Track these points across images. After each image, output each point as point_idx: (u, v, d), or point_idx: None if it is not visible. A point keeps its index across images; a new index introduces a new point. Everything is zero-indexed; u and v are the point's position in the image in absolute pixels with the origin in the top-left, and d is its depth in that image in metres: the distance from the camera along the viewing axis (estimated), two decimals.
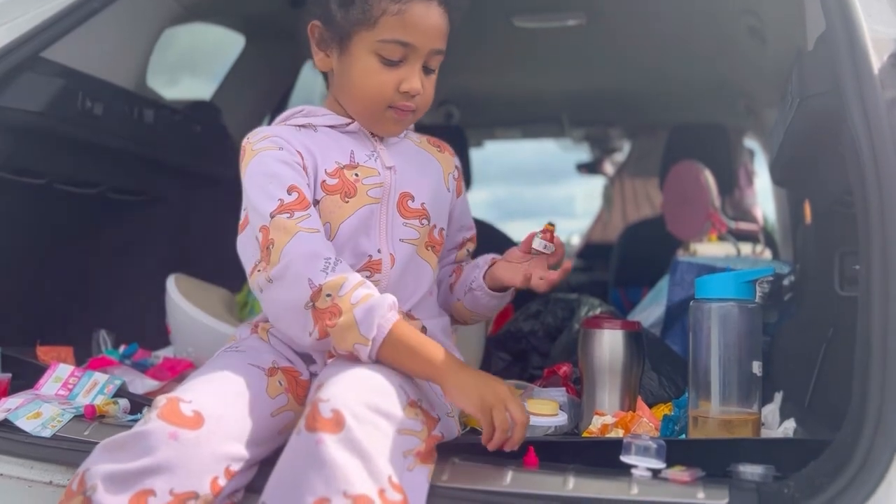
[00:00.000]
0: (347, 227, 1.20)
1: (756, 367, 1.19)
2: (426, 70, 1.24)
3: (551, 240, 1.20)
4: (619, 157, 4.04)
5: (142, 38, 1.82)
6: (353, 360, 1.08)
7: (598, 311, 1.68)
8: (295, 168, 1.19)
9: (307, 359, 1.21)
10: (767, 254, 2.32)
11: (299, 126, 1.27)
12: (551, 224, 1.20)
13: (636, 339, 1.34)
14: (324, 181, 1.21)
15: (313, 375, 1.19)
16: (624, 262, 3.00)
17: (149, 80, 1.99)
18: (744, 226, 2.36)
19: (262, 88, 2.49)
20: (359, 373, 1.03)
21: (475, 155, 3.63)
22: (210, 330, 1.58)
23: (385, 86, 1.21)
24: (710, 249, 2.27)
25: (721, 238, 2.30)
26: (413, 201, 1.27)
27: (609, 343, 1.32)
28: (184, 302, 1.62)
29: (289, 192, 1.15)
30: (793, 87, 1.28)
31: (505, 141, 4.14)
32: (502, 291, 1.31)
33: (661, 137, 3.61)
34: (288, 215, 1.13)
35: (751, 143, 3.58)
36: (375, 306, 1.07)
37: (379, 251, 1.23)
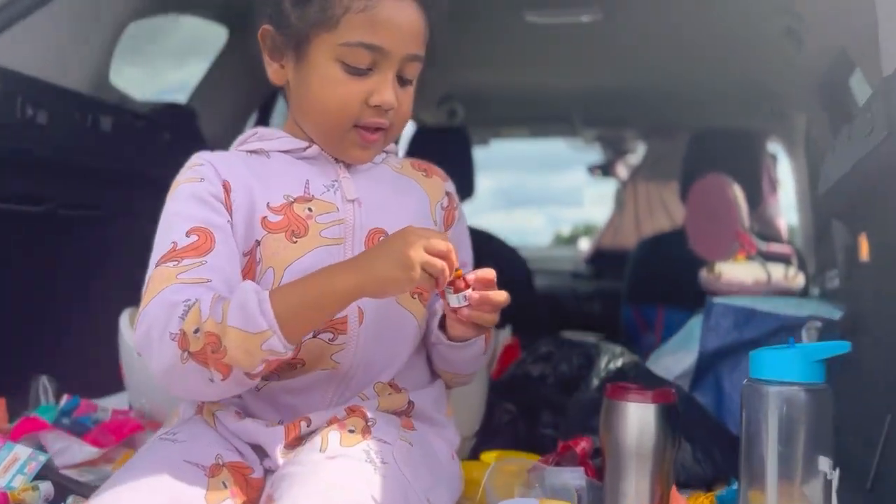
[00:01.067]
0: (295, 274, 0.98)
1: (825, 465, 0.97)
2: (401, 81, 1.04)
3: (466, 286, 0.98)
4: (633, 159, 3.82)
5: (99, 33, 1.58)
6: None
7: (619, 362, 1.45)
8: (208, 204, 1.00)
9: (261, 451, 0.99)
10: (800, 279, 2.10)
11: (250, 152, 1.07)
12: (458, 269, 0.97)
13: (671, 413, 1.11)
14: (265, 217, 1.02)
15: (268, 472, 0.97)
16: (639, 278, 2.79)
17: (112, 80, 1.75)
18: (775, 247, 2.16)
19: (247, 89, 2.23)
20: (320, 484, 0.82)
21: (480, 154, 3.42)
22: None
23: (350, 98, 1.01)
24: (736, 271, 2.06)
25: (749, 258, 2.12)
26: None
27: (638, 420, 1.09)
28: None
29: (188, 233, 0.96)
30: (874, 116, 1.04)
31: (512, 139, 3.91)
32: (462, 341, 1.09)
33: (678, 140, 3.40)
34: (174, 263, 0.95)
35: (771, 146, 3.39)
36: (243, 302, 0.89)
37: None
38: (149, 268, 0.97)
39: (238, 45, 2.16)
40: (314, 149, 1.07)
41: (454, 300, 0.98)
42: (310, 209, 1.03)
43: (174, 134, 1.77)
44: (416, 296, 1.08)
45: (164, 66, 2.18)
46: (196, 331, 0.88)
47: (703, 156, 2.54)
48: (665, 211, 3.56)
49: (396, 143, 1.19)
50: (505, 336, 1.86)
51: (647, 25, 2.35)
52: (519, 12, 2.26)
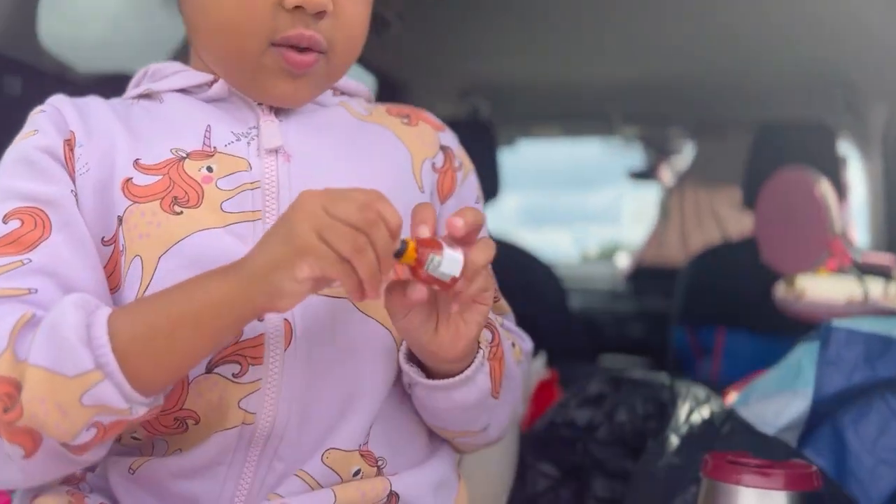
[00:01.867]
0: (177, 266, 0.64)
1: None
2: None
3: (437, 247, 0.59)
4: (679, 161, 3.43)
5: None
6: None
7: (706, 410, 1.04)
8: (38, 169, 0.67)
9: None
10: None
11: (138, 98, 0.74)
12: (408, 239, 0.59)
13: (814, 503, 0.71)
14: (128, 180, 0.68)
15: None
16: (694, 295, 2.42)
17: (46, 41, 1.39)
18: (873, 258, 1.78)
19: None
20: None
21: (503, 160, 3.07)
22: None
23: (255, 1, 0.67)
24: (824, 287, 1.69)
25: (841, 271, 1.74)
26: None
27: None
28: None
29: (6, 218, 0.65)
30: None
31: (542, 139, 3.55)
32: (448, 374, 0.68)
33: (732, 138, 3.02)
34: None
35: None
36: (56, 324, 0.58)
37: (259, 317, 0.64)
38: None
39: None
40: (221, 84, 0.72)
41: (438, 266, 0.57)
42: (209, 168, 0.68)
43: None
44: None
45: (122, 31, 1.82)
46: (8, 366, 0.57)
47: (775, 152, 2.18)
48: (715, 220, 3.17)
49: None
50: (539, 369, 1.45)
51: (701, 4, 2.00)
52: None
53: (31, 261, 0.63)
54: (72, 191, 0.67)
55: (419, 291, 0.58)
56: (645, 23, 2.22)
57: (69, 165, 0.68)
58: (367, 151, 0.75)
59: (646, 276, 3.27)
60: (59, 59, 1.48)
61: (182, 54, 1.77)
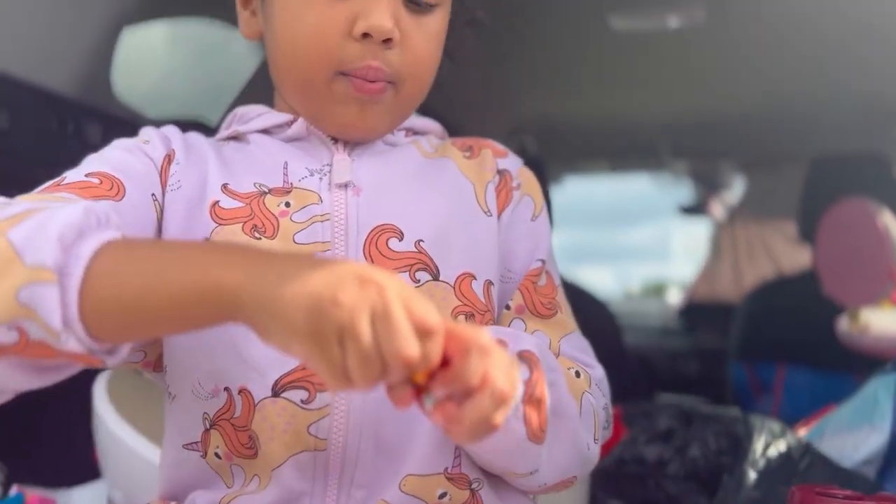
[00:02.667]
0: None
1: None
2: (414, 5, 0.71)
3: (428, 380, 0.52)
4: (729, 196, 3.38)
5: (90, 24, 1.27)
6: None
7: (782, 444, 1.02)
8: (135, 157, 0.71)
9: None
10: None
11: (226, 140, 0.77)
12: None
13: None
14: (216, 203, 0.71)
15: None
16: (753, 331, 2.36)
17: (116, 87, 1.45)
18: None
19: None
20: None
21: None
22: (150, 465, 0.99)
23: (325, 26, 0.69)
24: (889, 320, 1.66)
25: None
26: (401, 240, 0.71)
27: None
28: (114, 417, 1.03)
29: (88, 174, 0.67)
30: None
31: (590, 175, 3.54)
32: None
33: (785, 171, 2.98)
34: (49, 194, 0.65)
35: None
36: (53, 217, 0.54)
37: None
38: None
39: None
40: (299, 124, 0.75)
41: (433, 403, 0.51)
42: (286, 204, 0.71)
43: None
44: (461, 318, 0.71)
45: (192, 81, 1.89)
46: None
47: (831, 184, 2.14)
48: (768, 255, 3.11)
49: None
50: None
51: (755, 32, 1.98)
52: (602, 16, 1.91)
53: (91, 206, 0.62)
54: (154, 194, 0.71)
55: (402, 401, 0.51)
56: (694, 57, 2.20)
57: (163, 176, 0.72)
58: (431, 186, 0.76)
59: (698, 312, 3.21)
60: (130, 106, 1.54)
61: (240, 101, 1.83)
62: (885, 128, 2.49)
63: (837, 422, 1.19)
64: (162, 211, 0.71)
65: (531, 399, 0.63)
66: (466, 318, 0.71)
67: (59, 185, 0.66)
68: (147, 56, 1.55)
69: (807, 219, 2.16)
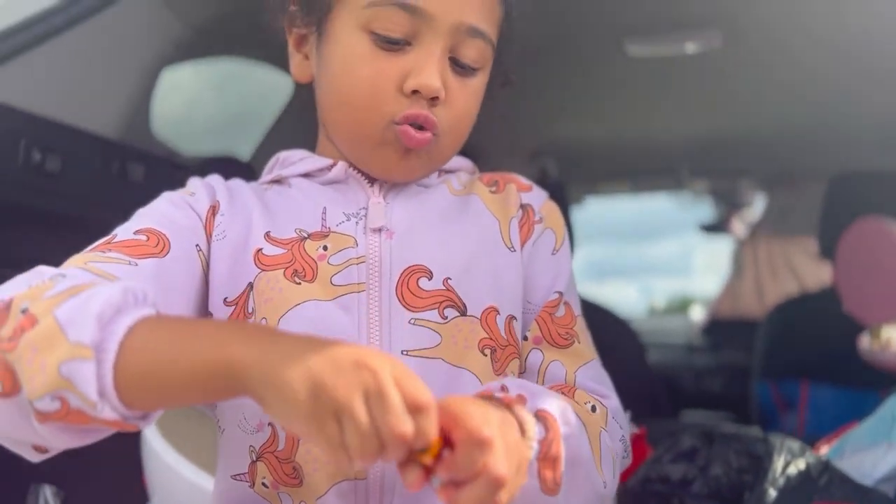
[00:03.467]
0: (292, 328, 0.70)
1: None
2: (458, 67, 0.76)
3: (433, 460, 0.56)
4: (750, 213, 3.40)
5: (130, 68, 1.35)
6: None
7: (802, 463, 1.05)
8: (181, 211, 0.77)
9: None
10: None
11: (269, 184, 0.82)
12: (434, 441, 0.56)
13: None
14: (259, 251, 0.76)
15: None
16: (776, 349, 2.37)
17: (155, 127, 1.52)
18: None
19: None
20: None
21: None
22: (201, 493, 1.04)
23: (380, 79, 0.74)
24: None
25: None
26: (430, 279, 0.75)
27: None
28: (163, 445, 1.09)
29: (137, 232, 0.73)
30: None
31: (611, 196, 3.57)
32: None
33: (805, 189, 3.00)
34: (94, 252, 0.70)
35: None
36: (96, 294, 0.58)
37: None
38: None
39: (305, 96, 1.92)
40: (339, 167, 0.79)
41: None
42: (324, 247, 0.75)
43: None
44: (486, 351, 0.75)
45: (224, 118, 1.96)
46: (24, 310, 0.59)
47: (851, 201, 2.15)
48: (790, 272, 3.12)
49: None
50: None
51: (777, 50, 2.01)
52: (618, 42, 1.96)
53: (136, 267, 0.69)
54: (198, 245, 0.75)
55: (413, 484, 0.55)
56: (711, 79, 2.22)
57: (207, 228, 0.77)
58: (459, 223, 0.81)
59: (721, 329, 3.22)
60: (168, 145, 1.61)
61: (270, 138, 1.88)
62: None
63: (857, 440, 1.22)
64: (207, 261, 0.76)
65: (546, 457, 0.65)
66: (491, 351, 0.75)
67: (109, 243, 0.71)
68: (182, 95, 1.62)
69: (827, 236, 2.17)
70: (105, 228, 1.28)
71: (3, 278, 1.27)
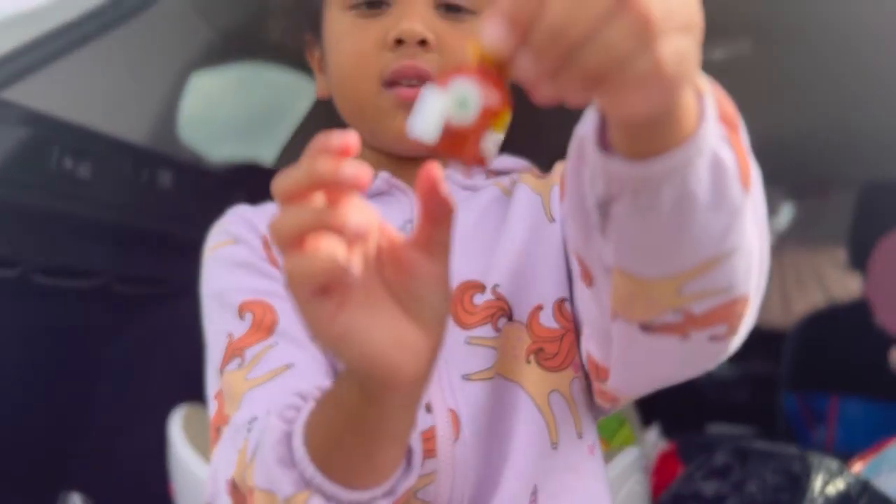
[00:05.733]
0: None
1: None
2: (449, 10, 0.72)
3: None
4: (778, 221, 3.36)
5: (159, 74, 1.35)
6: None
7: (841, 483, 1.03)
8: (250, 266, 0.70)
9: None
10: None
11: None
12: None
13: None
14: None
15: None
16: (805, 361, 2.34)
17: (182, 133, 1.52)
18: None
19: None
20: None
21: None
22: None
23: (363, 44, 0.71)
24: None
25: None
26: (482, 293, 0.69)
27: None
28: (189, 452, 1.08)
29: (240, 314, 0.67)
30: None
31: None
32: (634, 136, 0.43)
33: (833, 197, 2.95)
34: (238, 363, 0.65)
35: None
36: (261, 443, 0.55)
37: (426, 409, 0.65)
38: (209, 378, 0.70)
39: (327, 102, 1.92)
40: (382, 178, 0.75)
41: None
42: None
43: (251, 193, 1.50)
44: (533, 357, 0.68)
45: (249, 123, 1.96)
46: (245, 479, 0.57)
47: (882, 211, 2.12)
48: (818, 282, 3.07)
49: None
50: (655, 440, 1.45)
51: (808, 56, 1.98)
52: None
53: (277, 343, 0.65)
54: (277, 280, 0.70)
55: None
56: (739, 86, 2.19)
57: (273, 262, 0.72)
58: (506, 221, 0.74)
59: (747, 339, 3.17)
60: (195, 153, 1.61)
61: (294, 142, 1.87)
62: None
63: (894, 458, 1.19)
64: None
65: (726, 118, 0.46)
66: (535, 354, 0.70)
67: (232, 345, 0.67)
68: (209, 101, 1.62)
69: (857, 246, 2.14)
70: (135, 235, 1.29)
71: (70, 294, 1.27)
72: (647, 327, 0.54)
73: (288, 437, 0.54)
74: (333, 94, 0.76)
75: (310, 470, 0.52)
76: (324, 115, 1.93)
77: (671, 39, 0.36)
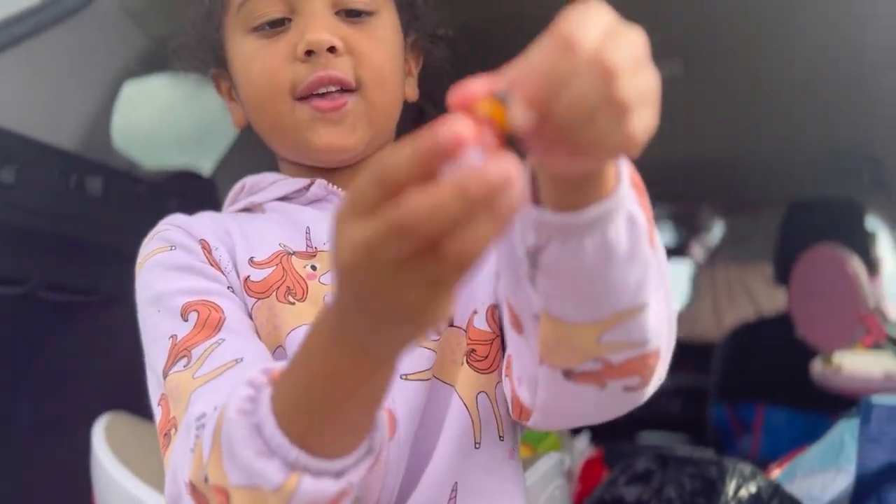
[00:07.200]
0: (289, 356, 0.64)
1: None
2: (350, 15, 0.74)
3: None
4: (709, 238, 3.45)
5: (92, 80, 1.33)
6: None
7: (753, 486, 1.07)
8: (191, 269, 0.70)
9: None
10: None
11: (240, 211, 0.79)
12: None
13: None
14: (248, 279, 0.71)
15: None
16: (733, 372, 2.41)
17: (115, 140, 1.50)
18: None
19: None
20: None
21: None
22: None
23: (272, 61, 0.72)
24: (861, 363, 1.72)
25: (877, 347, 1.75)
26: None
27: None
28: (112, 461, 1.07)
29: (183, 316, 0.66)
30: None
31: None
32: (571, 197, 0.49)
33: (763, 215, 3.06)
34: (184, 362, 0.64)
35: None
36: (230, 439, 0.52)
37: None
38: (151, 386, 0.68)
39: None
40: (318, 185, 0.76)
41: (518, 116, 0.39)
42: (312, 267, 0.72)
43: (184, 202, 1.49)
44: (465, 359, 0.70)
45: (184, 131, 1.95)
46: (206, 479, 0.55)
47: (806, 229, 2.20)
48: (748, 296, 3.17)
49: None
50: (583, 447, 1.49)
51: (737, 79, 2.05)
52: None
53: (224, 339, 0.65)
54: (228, 287, 0.71)
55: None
56: (673, 106, 2.25)
57: (215, 265, 0.72)
58: None
59: (680, 351, 3.24)
60: (128, 158, 1.59)
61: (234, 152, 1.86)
62: (856, 172, 2.56)
63: (807, 463, 1.25)
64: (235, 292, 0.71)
65: (635, 184, 0.52)
66: (468, 355, 0.71)
67: (177, 345, 0.65)
68: (142, 108, 1.61)
69: (782, 262, 2.21)
70: (63, 242, 1.27)
71: None
72: (569, 374, 0.58)
73: (257, 428, 0.52)
74: (250, 118, 0.77)
75: (293, 452, 0.50)
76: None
77: (641, 115, 0.43)
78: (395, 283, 0.38)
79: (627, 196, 0.49)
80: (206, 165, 1.88)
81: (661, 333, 0.56)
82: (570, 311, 0.54)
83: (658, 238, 0.55)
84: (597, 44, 0.40)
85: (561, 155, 0.43)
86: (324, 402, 0.50)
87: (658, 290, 0.54)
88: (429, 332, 0.49)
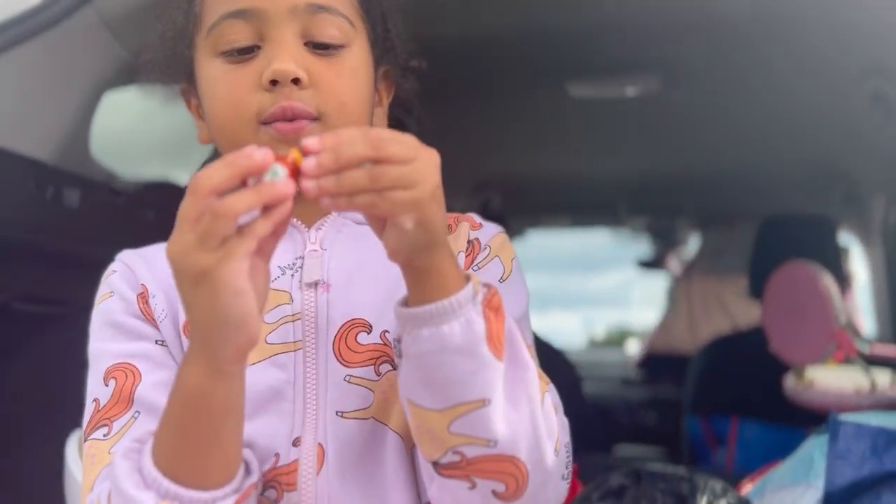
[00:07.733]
0: None
1: None
2: (317, 47, 0.75)
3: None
4: (686, 252, 3.49)
5: (70, 91, 1.33)
6: None
7: (722, 501, 1.09)
8: (119, 327, 0.74)
9: None
10: None
11: None
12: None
13: None
14: (186, 324, 0.73)
15: None
16: (707, 385, 2.42)
17: (94, 151, 1.49)
18: (880, 349, 1.82)
19: None
20: None
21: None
22: None
23: (237, 87, 0.73)
24: (832, 378, 1.75)
25: (848, 362, 1.78)
26: (368, 333, 0.73)
27: None
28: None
29: (106, 379, 0.71)
30: None
31: (553, 230, 3.64)
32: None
33: (738, 230, 3.10)
34: (104, 432, 0.69)
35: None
36: (116, 483, 0.63)
37: (294, 443, 0.70)
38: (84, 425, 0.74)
39: None
40: None
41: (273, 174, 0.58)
42: None
43: (160, 214, 1.48)
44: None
45: (162, 143, 1.94)
46: None
47: (779, 243, 2.23)
48: (722, 309, 3.21)
49: None
50: None
51: (714, 96, 2.09)
52: (560, 84, 2.01)
53: (139, 412, 0.69)
54: (157, 340, 0.73)
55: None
56: (651, 122, 2.30)
57: (148, 317, 0.74)
58: None
59: (656, 363, 3.28)
60: (107, 169, 1.58)
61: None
62: (829, 188, 2.60)
63: (777, 479, 1.26)
64: (167, 342, 0.74)
65: (490, 304, 0.64)
66: None
67: (98, 411, 0.71)
68: (123, 120, 1.61)
69: (756, 276, 2.23)
70: (39, 253, 1.26)
71: None
72: (436, 465, 0.65)
73: (138, 466, 0.62)
74: (213, 137, 0.78)
75: (164, 483, 0.60)
76: None
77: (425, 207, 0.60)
78: (198, 251, 0.55)
79: (468, 304, 0.62)
80: (183, 177, 1.87)
81: (517, 442, 0.63)
82: (421, 395, 0.64)
83: (518, 355, 0.65)
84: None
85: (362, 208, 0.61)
86: (187, 432, 0.60)
87: (516, 401, 0.64)
88: (251, 340, 0.58)
